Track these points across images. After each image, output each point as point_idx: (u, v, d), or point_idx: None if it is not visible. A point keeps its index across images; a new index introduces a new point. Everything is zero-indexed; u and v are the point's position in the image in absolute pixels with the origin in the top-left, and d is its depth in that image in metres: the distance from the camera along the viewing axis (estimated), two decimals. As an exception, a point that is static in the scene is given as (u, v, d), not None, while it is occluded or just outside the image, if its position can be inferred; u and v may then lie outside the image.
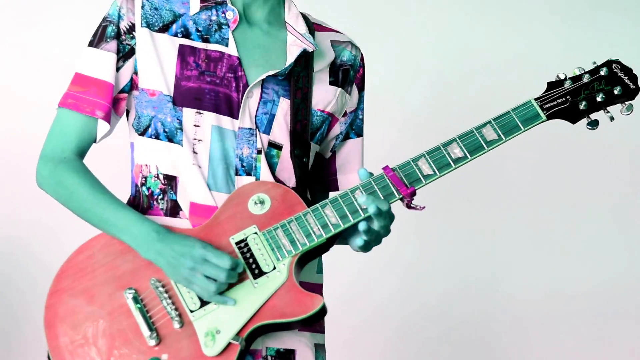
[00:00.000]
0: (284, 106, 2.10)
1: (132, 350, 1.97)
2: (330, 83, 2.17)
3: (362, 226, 1.97)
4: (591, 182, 4.40)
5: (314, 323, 2.02)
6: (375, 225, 1.99)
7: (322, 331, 2.15)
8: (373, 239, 2.02)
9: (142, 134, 2.09)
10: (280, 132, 2.10)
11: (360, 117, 2.25)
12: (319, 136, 2.18)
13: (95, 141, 2.11)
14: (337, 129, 2.22)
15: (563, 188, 4.40)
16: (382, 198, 1.99)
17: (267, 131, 2.09)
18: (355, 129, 2.25)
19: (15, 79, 3.91)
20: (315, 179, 2.24)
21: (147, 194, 2.09)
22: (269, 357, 2.05)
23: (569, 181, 4.40)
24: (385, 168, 2.02)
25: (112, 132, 2.12)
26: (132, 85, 2.09)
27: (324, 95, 2.16)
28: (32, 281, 3.65)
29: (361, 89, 2.24)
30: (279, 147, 2.10)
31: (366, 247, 2.06)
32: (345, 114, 2.21)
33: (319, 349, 2.13)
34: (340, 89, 2.18)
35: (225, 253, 1.96)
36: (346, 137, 2.24)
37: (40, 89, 3.84)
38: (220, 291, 1.95)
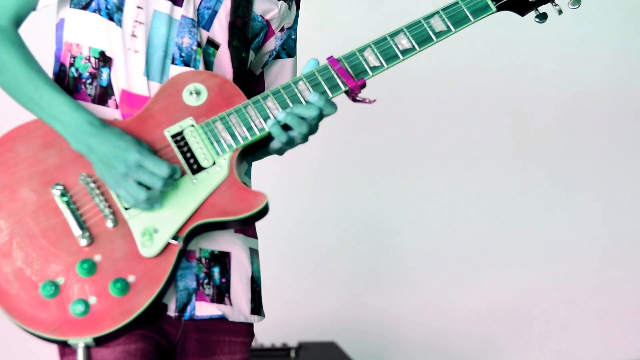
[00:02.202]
0: (227, 5, 1.98)
1: (61, 251, 1.84)
2: None
3: (277, 131, 1.87)
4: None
5: (255, 222, 1.92)
6: (297, 131, 1.88)
7: (256, 236, 2.07)
8: (287, 144, 1.91)
9: (85, 7, 1.92)
10: (221, 30, 1.98)
11: (293, 37, 2.14)
12: (256, 44, 2.06)
13: (35, 9, 1.93)
14: (272, 43, 2.10)
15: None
16: (328, 90, 1.89)
17: (207, 27, 1.96)
18: (286, 49, 2.13)
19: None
20: None
21: (74, 75, 1.93)
22: (203, 259, 1.95)
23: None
24: (330, 58, 1.92)
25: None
26: None
27: (267, 3, 2.04)
28: None
29: (298, 8, 2.13)
30: (216, 46, 1.97)
31: (280, 152, 1.97)
32: (282, 29, 2.09)
33: (254, 254, 2.04)
34: (283, 2, 2.06)
35: (163, 160, 1.82)
36: (277, 56, 2.12)
37: None
38: (152, 201, 1.82)
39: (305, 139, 1.90)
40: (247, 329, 2.01)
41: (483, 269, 4.56)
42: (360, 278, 4.47)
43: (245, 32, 2.01)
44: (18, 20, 1.92)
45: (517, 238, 4.64)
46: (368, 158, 4.48)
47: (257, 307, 2.02)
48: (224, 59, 1.98)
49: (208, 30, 1.96)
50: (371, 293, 4.48)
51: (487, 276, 4.57)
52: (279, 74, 2.12)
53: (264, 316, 2.05)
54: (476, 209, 4.59)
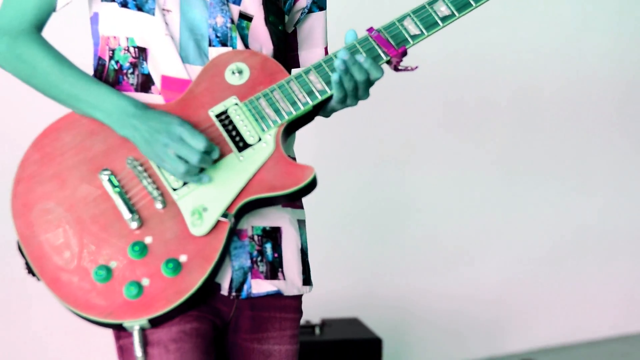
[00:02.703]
0: None
1: (112, 235, 1.83)
2: None
3: (335, 76, 1.84)
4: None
5: (303, 196, 1.90)
6: (346, 85, 1.85)
7: (302, 207, 2.06)
8: (350, 93, 1.87)
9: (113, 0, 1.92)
10: (251, 2, 1.97)
11: None
12: (288, 6, 2.06)
13: (55, 10, 1.94)
14: (303, 1, 2.09)
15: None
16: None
17: (238, 2, 1.95)
18: (317, 2, 2.12)
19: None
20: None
21: (115, 68, 1.93)
22: (255, 237, 1.94)
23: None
24: (370, 29, 1.91)
25: None
26: None
27: None
28: None
29: None
30: (249, 19, 1.96)
31: (342, 102, 1.90)
32: None
33: (301, 224, 2.04)
34: None
35: (201, 134, 1.81)
36: (309, 11, 2.11)
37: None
38: (191, 174, 1.82)
39: (355, 98, 1.88)
40: (296, 306, 2.01)
41: (494, 246, 4.68)
42: (380, 254, 4.49)
43: (279, 3, 2.01)
44: (39, 24, 1.92)
45: (524, 218, 4.74)
46: (388, 137, 4.51)
47: (307, 278, 2.02)
48: (258, 30, 1.97)
49: (239, 4, 1.95)
50: (391, 269, 4.50)
51: (500, 253, 4.69)
52: (311, 28, 2.11)
53: (312, 285, 2.04)
54: (489, 189, 4.67)
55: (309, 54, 2.12)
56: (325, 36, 2.15)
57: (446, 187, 4.59)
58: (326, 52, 2.14)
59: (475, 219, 4.65)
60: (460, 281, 4.60)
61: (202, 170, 1.84)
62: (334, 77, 1.85)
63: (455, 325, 4.58)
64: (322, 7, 2.13)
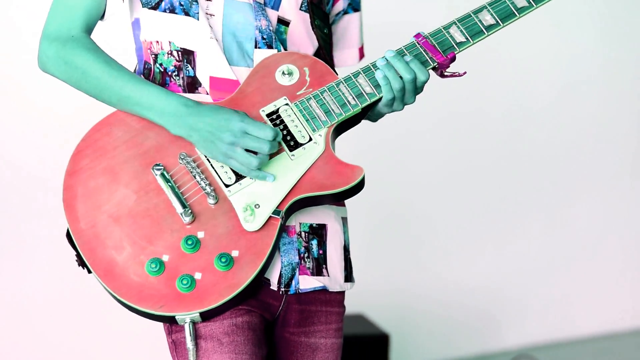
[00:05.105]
0: None
1: (164, 229, 1.86)
2: None
3: (379, 73, 1.91)
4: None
5: (351, 196, 1.95)
6: (393, 85, 1.91)
7: (344, 205, 2.10)
8: (397, 95, 1.92)
9: (155, 7, 1.95)
10: (289, 7, 2.01)
11: None
12: (327, 10, 2.11)
13: (102, 18, 1.97)
14: (341, 4, 2.14)
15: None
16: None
17: (276, 7, 1.99)
18: (352, 4, 2.16)
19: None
20: None
21: (160, 70, 1.96)
22: (303, 233, 1.98)
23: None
24: (417, 35, 1.96)
25: (121, 6, 1.97)
26: None
27: None
28: None
29: None
30: (286, 24, 2.01)
31: (390, 104, 1.95)
32: None
33: (344, 222, 2.08)
34: None
35: (264, 123, 1.86)
36: (344, 13, 2.17)
37: None
38: (262, 165, 1.86)
39: (402, 102, 1.94)
40: (340, 300, 2.05)
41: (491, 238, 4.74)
42: (384, 249, 4.54)
43: (322, 6, 2.05)
44: (88, 30, 1.95)
45: (520, 209, 4.80)
46: (378, 136, 4.57)
47: (349, 274, 2.06)
48: (295, 34, 2.01)
49: (277, 9, 1.99)
50: (395, 264, 4.55)
51: (496, 244, 4.75)
52: (345, 29, 2.16)
53: (354, 281, 2.09)
54: (486, 180, 4.72)
55: (342, 55, 2.17)
56: (361, 36, 2.19)
57: (449, 184, 4.64)
58: (361, 52, 2.19)
59: (480, 213, 4.71)
60: (466, 275, 4.66)
61: None
62: (378, 74, 1.90)
63: (464, 319, 4.63)
64: (356, 9, 2.17)
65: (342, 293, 2.06)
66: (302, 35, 2.02)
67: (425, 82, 1.94)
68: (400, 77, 1.91)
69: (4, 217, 3.73)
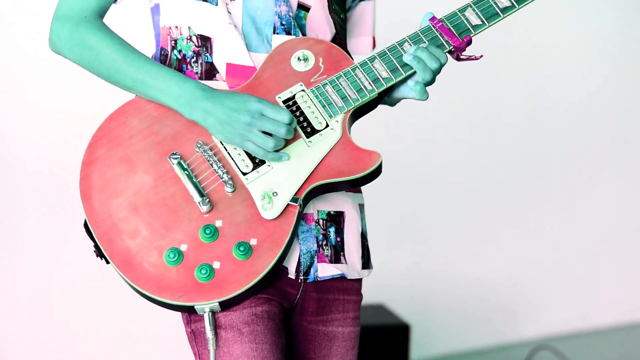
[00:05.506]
0: None
1: (182, 218, 1.84)
2: None
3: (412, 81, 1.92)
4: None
5: (369, 182, 1.93)
6: (427, 74, 1.91)
7: (361, 191, 2.08)
8: (432, 74, 1.92)
9: None
10: None
11: None
12: None
13: (115, 1, 1.95)
14: None
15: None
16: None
17: None
18: None
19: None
20: None
21: (178, 57, 1.95)
22: (321, 221, 1.96)
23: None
24: (432, 19, 1.95)
25: None
26: None
27: None
28: None
29: None
30: (306, 9, 1.99)
31: (422, 94, 1.95)
32: None
33: (361, 209, 2.06)
34: None
35: (281, 107, 1.84)
36: (360, 0, 2.15)
37: None
38: (278, 148, 1.84)
39: (424, 85, 1.93)
40: (358, 288, 2.04)
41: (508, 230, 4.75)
42: (404, 239, 4.54)
43: None
44: (101, 13, 1.93)
45: (538, 202, 4.81)
46: (402, 125, 4.57)
47: (366, 262, 2.04)
48: (315, 20, 1.99)
49: None
50: (415, 254, 4.57)
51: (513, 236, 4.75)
52: (360, 17, 2.14)
53: (372, 268, 2.07)
54: (505, 174, 4.74)
55: (357, 41, 2.15)
56: (374, 26, 2.18)
57: (471, 179, 4.66)
58: (374, 42, 2.17)
59: (499, 208, 4.74)
60: (485, 268, 4.67)
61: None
62: (406, 57, 1.90)
63: (483, 311, 4.65)
64: None
65: (359, 281, 2.04)
66: (321, 20, 2.00)
67: (444, 65, 1.92)
68: (438, 58, 1.91)
69: (8, 214, 3.73)
